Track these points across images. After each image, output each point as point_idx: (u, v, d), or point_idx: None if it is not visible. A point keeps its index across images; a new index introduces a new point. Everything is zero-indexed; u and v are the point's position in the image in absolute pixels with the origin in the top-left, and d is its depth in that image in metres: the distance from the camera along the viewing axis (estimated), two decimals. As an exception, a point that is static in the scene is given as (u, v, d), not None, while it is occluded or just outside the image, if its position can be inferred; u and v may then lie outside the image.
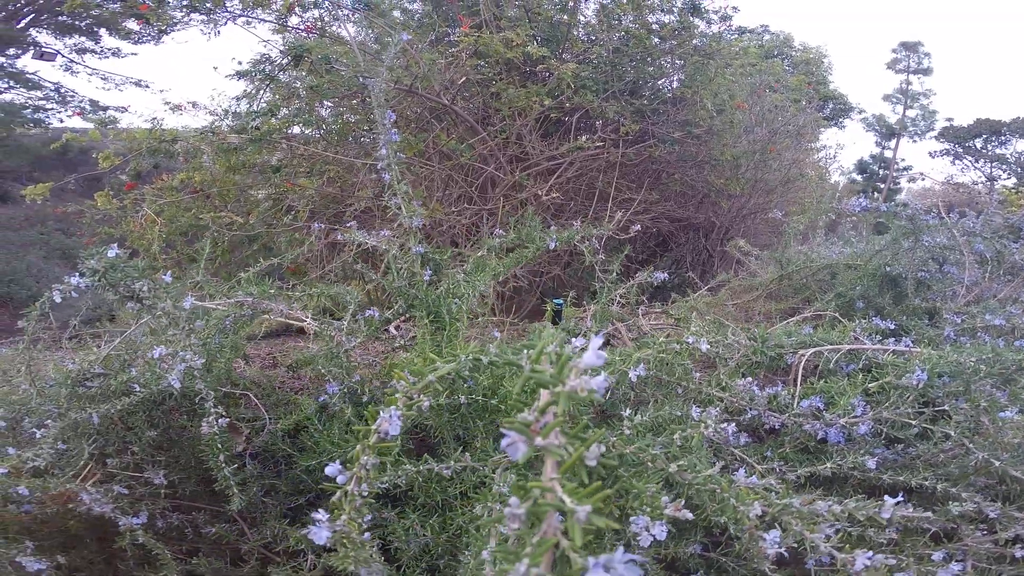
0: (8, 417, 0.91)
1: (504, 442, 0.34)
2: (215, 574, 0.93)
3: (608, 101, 3.84)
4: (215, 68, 3.98)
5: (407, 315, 1.05)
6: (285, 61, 2.78)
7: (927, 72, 20.52)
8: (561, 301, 1.28)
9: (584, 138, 3.34)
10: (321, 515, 0.47)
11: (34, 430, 0.86)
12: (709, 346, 0.82)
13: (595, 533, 0.32)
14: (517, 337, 1.68)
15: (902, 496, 0.77)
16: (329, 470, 0.55)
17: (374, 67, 2.99)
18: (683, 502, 0.60)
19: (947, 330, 1.30)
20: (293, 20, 3.55)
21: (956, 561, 0.88)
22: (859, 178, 19.62)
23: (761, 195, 6.38)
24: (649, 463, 0.66)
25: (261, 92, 2.97)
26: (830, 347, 1.04)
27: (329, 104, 3.83)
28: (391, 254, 1.04)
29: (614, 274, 1.32)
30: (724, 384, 0.91)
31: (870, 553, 0.58)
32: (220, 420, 0.87)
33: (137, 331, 1.02)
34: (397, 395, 0.57)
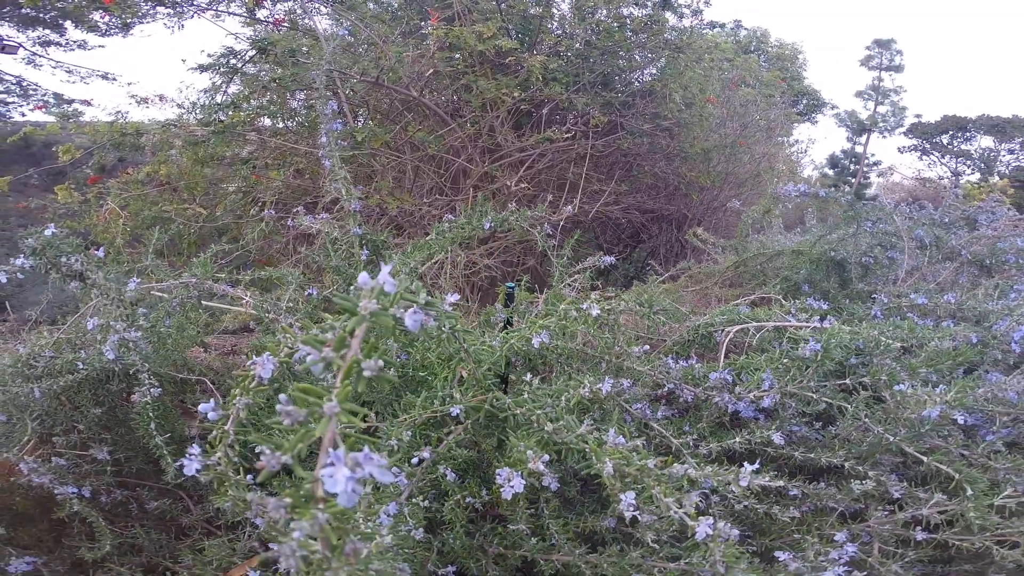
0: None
1: (299, 354, 0.39)
2: (154, 543, 0.95)
3: (578, 93, 3.88)
4: (183, 61, 3.92)
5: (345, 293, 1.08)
6: (250, 54, 2.75)
7: (899, 69, 20.99)
8: (513, 285, 1.32)
9: (553, 130, 3.38)
10: (194, 449, 0.50)
11: (-24, 407, 0.87)
12: (600, 312, 0.86)
13: (361, 433, 0.37)
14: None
15: (809, 476, 0.82)
16: (202, 408, 0.58)
17: (341, 60, 2.98)
18: (545, 457, 0.64)
19: (875, 309, 1.37)
20: (263, 13, 3.52)
21: (863, 543, 0.91)
22: (831, 172, 20.06)
23: (732, 188, 6.51)
24: (535, 422, 0.70)
25: (225, 85, 2.94)
26: (755, 324, 1.09)
27: (300, 96, 3.80)
28: (330, 236, 1.07)
29: (565, 258, 1.37)
30: (647, 359, 0.96)
31: (710, 520, 0.61)
32: (153, 390, 0.89)
33: (86, 314, 1.03)
34: (280, 344, 0.61)
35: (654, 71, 4.99)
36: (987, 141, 20.75)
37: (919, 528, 0.89)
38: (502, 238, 3.53)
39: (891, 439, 0.89)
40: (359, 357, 0.37)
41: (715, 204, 6.28)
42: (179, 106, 3.84)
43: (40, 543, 0.94)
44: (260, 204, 2.97)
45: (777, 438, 0.89)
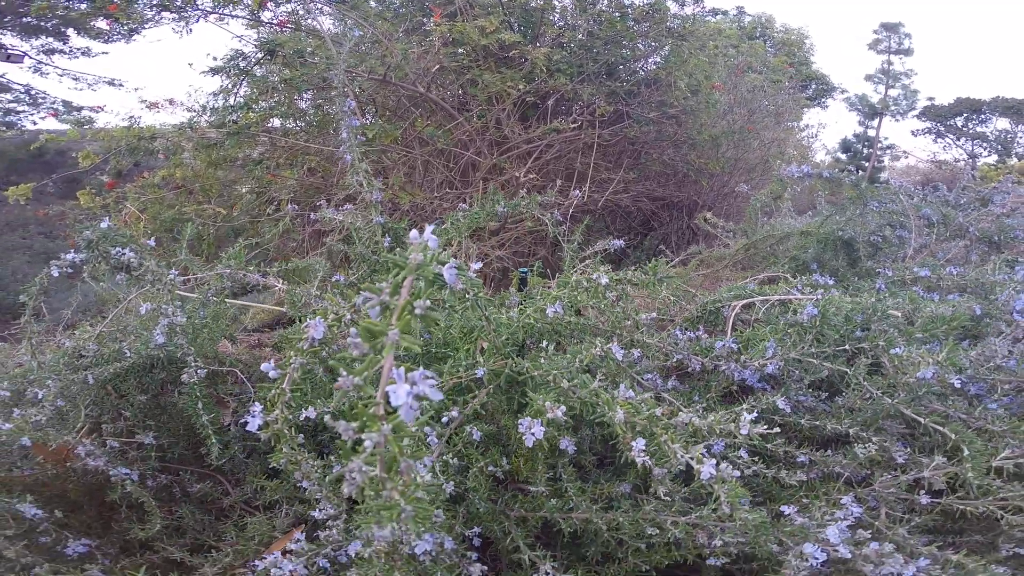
0: (12, 389, 0.98)
1: (360, 300, 0.44)
2: (198, 524, 1.01)
3: (583, 84, 3.90)
4: (190, 65, 3.99)
5: (371, 279, 1.13)
6: (258, 56, 2.81)
7: (908, 52, 20.62)
8: (526, 270, 1.36)
9: (559, 120, 3.40)
10: (255, 407, 0.55)
11: (36, 392, 0.93)
12: (608, 280, 0.89)
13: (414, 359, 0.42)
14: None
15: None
16: (264, 366, 0.63)
17: (349, 59, 3.03)
18: (562, 408, 0.69)
19: (879, 283, 1.39)
20: (266, 15, 3.57)
21: (869, 508, 0.93)
22: (844, 157, 19.81)
23: (742, 173, 6.49)
24: (552, 382, 0.75)
25: (236, 87, 3.00)
26: (761, 299, 1.12)
27: (308, 96, 3.86)
28: (354, 225, 1.12)
29: (575, 244, 1.41)
30: (655, 332, 1.00)
31: (713, 462, 0.65)
32: (199, 371, 0.95)
33: (127, 306, 1.09)
34: (327, 310, 0.66)
35: (659, 59, 4.98)
36: (1003, 123, 20.36)
37: (923, 493, 0.92)
38: (512, 229, 3.57)
39: (889, 402, 0.90)
40: (410, 299, 0.42)
41: (725, 190, 6.26)
42: (189, 109, 3.92)
43: (91, 528, 1.00)
44: (276, 204, 3.03)
45: (782, 403, 0.91)
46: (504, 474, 0.82)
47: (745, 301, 1.12)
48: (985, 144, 20.86)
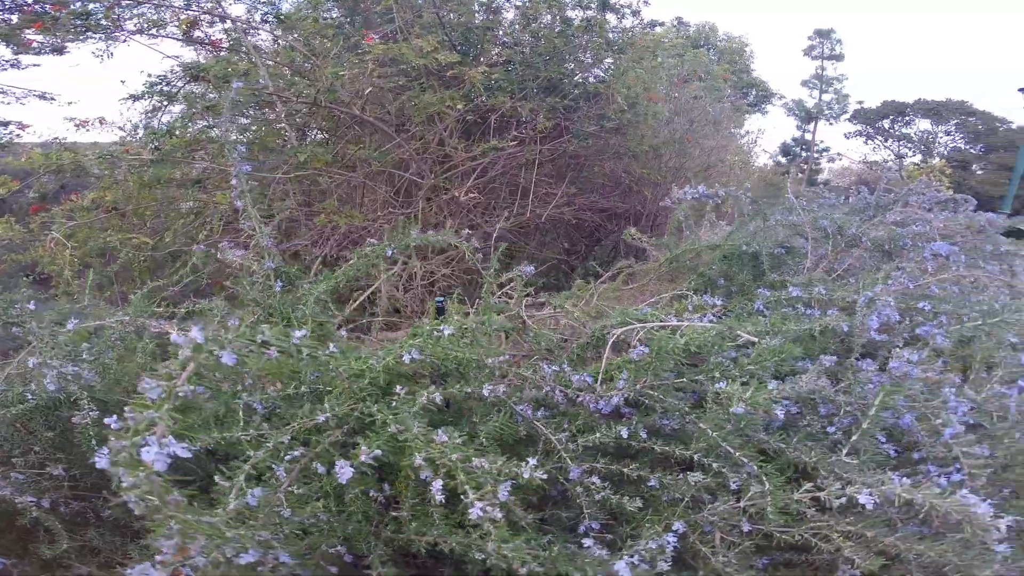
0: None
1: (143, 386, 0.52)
2: (108, 545, 1.06)
3: (524, 100, 4.00)
4: (123, 82, 3.88)
5: (266, 320, 1.17)
6: (183, 82, 2.78)
7: (839, 58, 21.90)
8: (442, 299, 1.42)
9: (497, 139, 3.49)
10: (103, 450, 0.62)
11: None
12: (453, 331, 0.96)
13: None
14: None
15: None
16: (107, 420, 0.70)
17: (274, 82, 3.02)
18: (376, 452, 0.78)
19: (757, 303, 1.50)
20: (200, 34, 3.51)
21: (703, 532, 0.94)
22: (784, 160, 20.84)
23: (684, 182, 6.75)
24: (385, 426, 0.82)
25: (160, 113, 2.96)
26: (639, 325, 1.21)
27: (247, 116, 3.81)
28: (248, 269, 1.16)
29: (492, 269, 1.48)
30: (530, 366, 1.07)
31: (484, 504, 0.72)
32: (91, 413, 0.99)
33: (29, 353, 1.09)
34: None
35: (600, 73, 5.12)
36: (925, 124, 21.96)
37: (744, 519, 0.93)
38: (458, 246, 3.62)
39: (711, 434, 0.95)
40: (178, 384, 0.50)
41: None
42: (120, 128, 3.80)
43: (10, 550, 1.05)
44: (210, 227, 2.98)
45: (624, 432, 0.98)
46: (386, 498, 0.89)
47: (624, 329, 1.21)
48: (910, 145, 22.44)
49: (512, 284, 1.79)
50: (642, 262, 2.85)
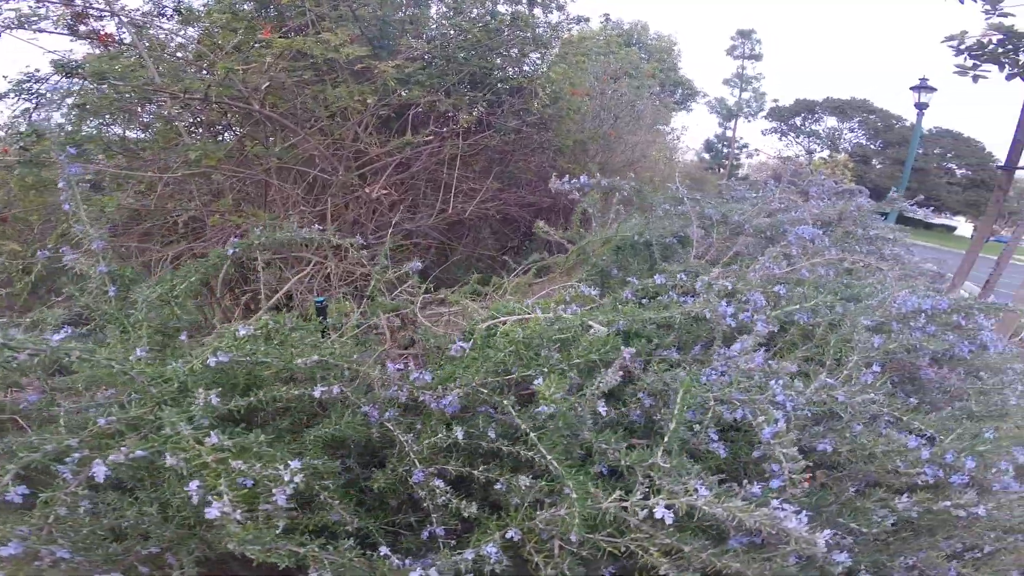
0: None
1: None
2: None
3: (444, 95, 3.97)
4: (5, 77, 3.52)
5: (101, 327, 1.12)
6: (56, 79, 2.56)
7: (759, 58, 23.22)
8: (322, 299, 1.40)
9: (411, 133, 3.46)
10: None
11: None
12: (245, 332, 0.96)
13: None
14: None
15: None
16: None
17: (166, 78, 2.85)
18: (137, 451, 0.78)
19: (626, 292, 1.56)
20: (85, 29, 3.24)
21: (541, 540, 0.94)
22: (707, 156, 21.91)
23: (609, 175, 6.92)
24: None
25: (29, 113, 2.72)
26: (503, 319, 1.24)
27: (150, 114, 3.55)
28: (77, 274, 1.11)
29: (380, 266, 1.47)
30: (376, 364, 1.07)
31: (221, 504, 0.72)
32: None
33: None
34: None
35: (527, 68, 5.14)
36: (832, 121, 23.80)
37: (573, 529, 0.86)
38: (375, 244, 3.56)
39: (533, 435, 0.92)
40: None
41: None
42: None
43: None
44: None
45: (460, 434, 0.96)
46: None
47: (487, 323, 1.23)
48: (819, 141, 24.28)
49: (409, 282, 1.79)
50: (561, 255, 2.93)
